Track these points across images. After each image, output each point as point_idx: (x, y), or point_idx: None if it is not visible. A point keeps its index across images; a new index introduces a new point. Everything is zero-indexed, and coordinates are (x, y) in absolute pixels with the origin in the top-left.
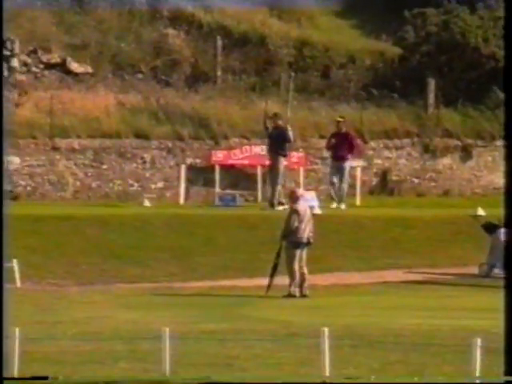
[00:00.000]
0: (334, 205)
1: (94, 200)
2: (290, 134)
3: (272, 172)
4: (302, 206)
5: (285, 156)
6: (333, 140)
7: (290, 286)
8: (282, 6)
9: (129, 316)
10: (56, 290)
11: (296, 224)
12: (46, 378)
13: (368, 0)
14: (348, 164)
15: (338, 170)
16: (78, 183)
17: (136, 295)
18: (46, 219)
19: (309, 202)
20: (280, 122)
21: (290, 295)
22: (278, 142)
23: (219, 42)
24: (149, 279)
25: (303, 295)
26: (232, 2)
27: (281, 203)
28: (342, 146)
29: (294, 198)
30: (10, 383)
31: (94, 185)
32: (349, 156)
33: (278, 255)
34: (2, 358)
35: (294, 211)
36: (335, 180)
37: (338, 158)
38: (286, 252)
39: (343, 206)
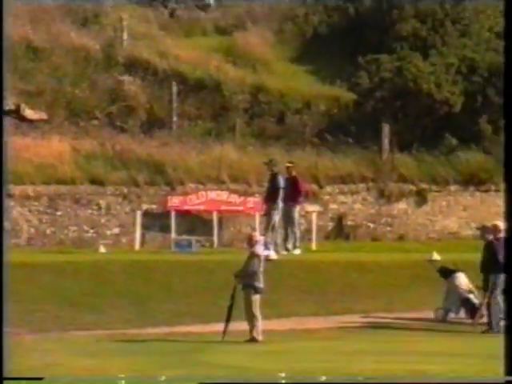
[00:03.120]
0: (285, 252)
1: (48, 247)
2: (279, 180)
3: (266, 220)
4: (261, 250)
5: (276, 203)
6: None
7: (251, 331)
8: (237, 51)
9: (85, 363)
10: (10, 338)
11: (255, 268)
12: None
13: (323, 46)
14: (297, 209)
15: (288, 216)
16: (33, 230)
17: (92, 342)
18: None
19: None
20: (274, 169)
21: (253, 340)
22: (272, 190)
23: (174, 88)
24: (105, 326)
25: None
26: (187, 47)
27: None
28: (289, 191)
29: (252, 242)
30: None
31: (48, 231)
32: (297, 200)
33: (233, 297)
34: (2, 358)
35: (256, 255)
36: (286, 226)
37: (287, 203)
38: (247, 298)
39: (298, 252)
